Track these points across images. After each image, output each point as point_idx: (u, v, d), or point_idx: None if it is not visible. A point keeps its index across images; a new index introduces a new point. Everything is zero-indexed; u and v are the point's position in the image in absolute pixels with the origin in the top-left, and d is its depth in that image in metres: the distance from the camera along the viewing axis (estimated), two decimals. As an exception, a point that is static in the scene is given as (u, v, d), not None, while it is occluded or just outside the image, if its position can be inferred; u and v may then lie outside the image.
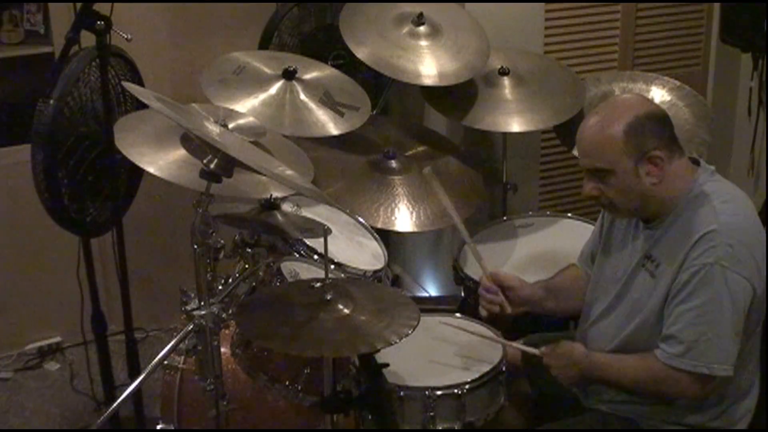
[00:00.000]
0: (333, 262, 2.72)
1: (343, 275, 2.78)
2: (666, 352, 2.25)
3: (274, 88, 3.10)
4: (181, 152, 2.50)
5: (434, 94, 3.41)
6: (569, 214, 3.45)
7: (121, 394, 2.34)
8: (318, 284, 2.30)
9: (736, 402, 2.37)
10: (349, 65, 3.48)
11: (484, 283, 2.59)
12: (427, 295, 4.01)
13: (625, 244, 2.43)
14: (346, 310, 2.26)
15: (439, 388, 2.48)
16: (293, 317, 2.26)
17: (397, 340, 2.18)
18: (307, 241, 2.83)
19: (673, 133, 2.31)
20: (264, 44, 3.53)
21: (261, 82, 3.11)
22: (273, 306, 2.36)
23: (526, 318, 2.76)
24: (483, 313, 2.59)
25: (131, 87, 2.53)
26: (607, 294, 2.45)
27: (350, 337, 2.20)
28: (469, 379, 2.51)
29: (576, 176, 3.90)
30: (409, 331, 2.22)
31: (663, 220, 2.31)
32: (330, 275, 2.30)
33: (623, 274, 2.41)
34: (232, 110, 2.89)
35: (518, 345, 2.58)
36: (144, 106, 2.47)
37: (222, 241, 2.31)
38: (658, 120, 2.28)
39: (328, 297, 2.26)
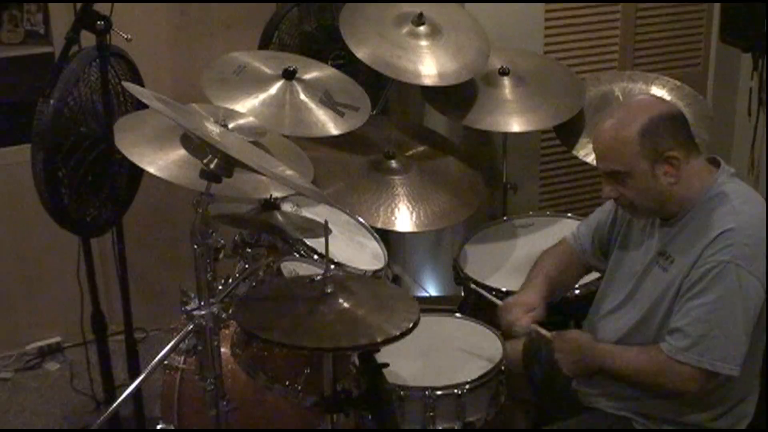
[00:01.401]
0: (333, 262, 2.72)
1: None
2: (671, 344, 2.25)
3: (274, 88, 3.10)
4: (181, 152, 2.50)
5: (434, 94, 3.41)
6: (569, 214, 3.45)
7: (121, 394, 2.33)
8: (318, 277, 2.30)
9: (738, 403, 2.37)
10: (349, 65, 3.48)
11: (510, 323, 2.56)
12: (427, 295, 4.01)
13: (641, 241, 2.44)
14: (346, 304, 2.26)
15: (439, 388, 2.48)
16: (293, 310, 2.26)
17: (397, 333, 2.17)
18: (307, 241, 2.83)
19: (690, 132, 2.31)
20: (264, 44, 3.53)
21: (261, 82, 3.11)
22: (273, 299, 2.36)
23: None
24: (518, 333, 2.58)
25: (131, 87, 2.53)
26: (621, 289, 2.46)
27: (351, 329, 2.19)
28: (469, 379, 2.51)
29: (576, 176, 3.91)
30: (410, 324, 2.21)
31: (681, 218, 2.32)
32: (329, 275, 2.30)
33: (636, 272, 2.41)
34: (232, 110, 2.89)
35: (536, 327, 2.54)
36: (144, 106, 2.47)
37: (222, 241, 2.31)
38: (673, 120, 2.28)
39: (328, 290, 2.26)
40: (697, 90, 3.63)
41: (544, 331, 2.51)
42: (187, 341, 2.52)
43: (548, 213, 3.54)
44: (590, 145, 2.99)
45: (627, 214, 2.49)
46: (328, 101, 3.12)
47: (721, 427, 2.37)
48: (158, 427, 2.74)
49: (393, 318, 2.23)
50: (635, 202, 2.33)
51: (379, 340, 2.19)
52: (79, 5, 2.79)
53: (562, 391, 2.60)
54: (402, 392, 2.48)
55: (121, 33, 2.82)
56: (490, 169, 3.65)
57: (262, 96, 3.07)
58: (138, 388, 2.36)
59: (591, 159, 3.21)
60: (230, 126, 2.71)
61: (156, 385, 2.90)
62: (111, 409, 2.32)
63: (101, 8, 2.79)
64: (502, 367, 2.59)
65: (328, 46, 3.55)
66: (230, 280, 2.69)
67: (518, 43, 3.64)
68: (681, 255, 2.29)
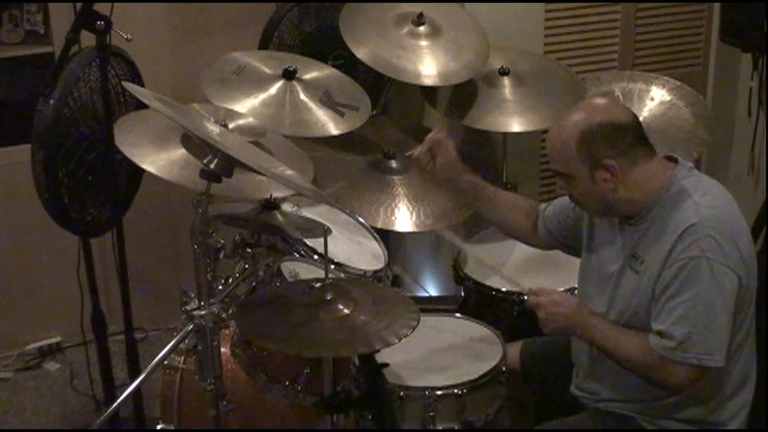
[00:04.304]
0: (333, 262, 2.72)
1: (343, 275, 2.78)
2: (659, 344, 2.26)
3: (274, 88, 3.10)
4: (182, 152, 2.50)
5: (434, 94, 3.40)
6: (569, 214, 3.45)
7: (121, 394, 2.34)
8: (318, 284, 2.30)
9: (732, 395, 2.38)
10: (349, 65, 3.48)
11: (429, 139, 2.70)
12: (427, 295, 4.01)
13: (608, 242, 2.44)
14: (346, 310, 2.26)
15: (439, 388, 2.48)
16: (293, 317, 2.26)
17: (396, 341, 2.18)
18: (307, 241, 2.83)
19: (635, 139, 2.30)
20: (264, 44, 3.53)
21: (261, 82, 3.11)
22: (273, 306, 2.36)
23: (527, 321, 2.78)
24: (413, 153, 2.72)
25: (131, 87, 2.53)
26: (602, 295, 2.45)
27: (350, 337, 2.20)
28: (469, 379, 2.51)
29: (576, 176, 3.90)
30: (409, 332, 2.22)
31: (644, 216, 2.33)
32: (330, 275, 2.30)
33: (612, 275, 2.41)
34: (232, 110, 2.89)
35: (507, 275, 2.63)
36: (144, 106, 2.47)
37: (222, 241, 2.31)
38: (613, 128, 2.28)
39: (328, 297, 2.26)
40: (697, 90, 3.63)
41: (519, 282, 2.53)
42: (187, 341, 2.52)
43: (548, 213, 3.54)
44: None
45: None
46: (328, 101, 3.12)
47: (721, 419, 2.38)
48: (158, 427, 2.74)
49: (392, 325, 2.23)
50: (582, 202, 2.39)
51: (378, 348, 2.20)
52: (79, 5, 2.79)
53: (561, 393, 2.60)
54: (402, 392, 2.48)
55: (121, 33, 2.82)
56: (490, 169, 3.65)
57: (262, 96, 3.07)
58: (138, 388, 2.36)
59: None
60: (230, 126, 2.71)
61: (156, 385, 2.90)
62: (111, 409, 2.32)
63: (101, 8, 2.79)
64: (503, 367, 2.59)
65: (328, 46, 3.55)
66: (230, 280, 2.69)
67: (518, 43, 3.64)
68: (649, 255, 2.30)
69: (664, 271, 2.25)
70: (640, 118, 2.41)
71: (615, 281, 2.40)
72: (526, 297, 2.46)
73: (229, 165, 2.18)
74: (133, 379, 2.84)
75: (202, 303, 2.30)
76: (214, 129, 2.39)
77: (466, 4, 3.57)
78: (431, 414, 2.48)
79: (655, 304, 2.28)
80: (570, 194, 2.41)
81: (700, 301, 2.21)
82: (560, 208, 2.65)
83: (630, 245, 2.36)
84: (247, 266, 2.75)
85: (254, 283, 2.71)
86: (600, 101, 2.48)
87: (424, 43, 3.30)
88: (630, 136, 2.30)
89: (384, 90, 3.57)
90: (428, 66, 3.25)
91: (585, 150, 2.27)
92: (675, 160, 2.37)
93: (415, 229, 3.16)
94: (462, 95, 3.36)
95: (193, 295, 2.42)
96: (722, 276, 2.21)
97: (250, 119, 2.85)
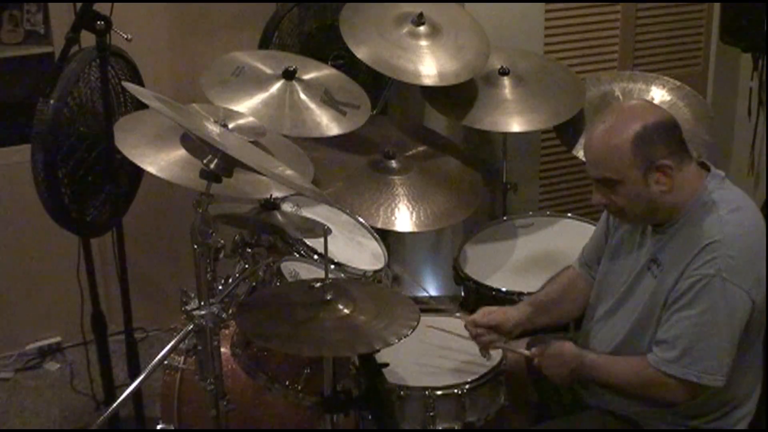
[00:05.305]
0: (333, 262, 2.72)
1: (343, 275, 2.78)
2: (658, 356, 2.26)
3: (274, 89, 3.10)
4: (182, 152, 2.50)
5: (434, 94, 3.41)
6: (569, 214, 3.45)
7: (121, 394, 2.33)
8: (318, 284, 2.30)
9: (735, 408, 2.37)
10: (349, 65, 3.48)
11: (472, 331, 2.58)
12: (427, 295, 4.01)
13: (632, 248, 2.43)
14: (346, 310, 2.26)
15: (439, 388, 2.48)
16: (293, 317, 2.26)
17: (396, 341, 2.18)
18: (307, 241, 2.83)
19: (682, 139, 2.28)
20: (264, 44, 3.53)
21: (261, 82, 3.11)
22: (273, 306, 2.36)
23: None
24: (486, 356, 2.59)
25: (131, 87, 2.53)
26: (612, 296, 2.45)
27: (350, 337, 2.20)
28: (469, 379, 2.51)
29: (576, 176, 3.91)
30: (409, 332, 2.22)
31: (672, 225, 2.30)
32: (330, 275, 2.30)
33: (629, 277, 2.41)
34: (232, 110, 2.89)
35: (507, 346, 2.59)
36: (144, 106, 2.47)
37: (222, 241, 2.31)
38: (666, 128, 2.25)
39: (328, 297, 2.26)
40: (697, 90, 3.63)
41: (521, 350, 2.52)
42: (187, 341, 2.52)
43: (548, 213, 3.54)
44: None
45: (617, 220, 2.48)
46: (329, 100, 3.12)
47: (723, 426, 2.37)
48: (158, 427, 2.74)
49: (392, 325, 2.23)
50: (625, 210, 2.31)
51: (378, 347, 2.19)
52: (79, 5, 2.79)
53: (564, 391, 2.60)
54: (402, 392, 2.48)
55: (121, 33, 2.82)
56: (490, 169, 3.65)
57: (262, 96, 3.06)
58: (138, 388, 2.36)
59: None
60: (230, 126, 2.71)
61: (156, 385, 2.91)
62: (111, 409, 2.32)
63: (101, 8, 2.79)
64: (502, 367, 2.59)
65: (328, 46, 3.55)
66: (230, 280, 2.69)
67: (518, 43, 3.64)
68: (670, 264, 2.29)
69: (679, 282, 2.24)
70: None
71: (632, 282, 2.39)
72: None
73: (229, 165, 2.18)
74: (133, 379, 2.84)
75: (202, 303, 2.30)
76: (214, 129, 2.39)
77: (466, 4, 3.57)
78: (431, 414, 2.48)
79: (664, 314, 2.27)
80: (610, 203, 2.31)
81: (707, 319, 2.20)
82: (593, 243, 2.61)
83: (653, 250, 2.34)
84: (247, 266, 2.75)
85: (254, 283, 2.71)
86: (638, 103, 2.44)
87: (424, 43, 3.30)
88: (679, 135, 2.27)
89: (384, 90, 3.57)
90: (428, 66, 3.25)
91: (641, 151, 2.21)
92: (706, 167, 2.34)
93: (415, 229, 3.16)
94: (462, 95, 3.36)
95: (193, 295, 2.42)
96: (734, 297, 2.19)
97: (250, 119, 2.85)
